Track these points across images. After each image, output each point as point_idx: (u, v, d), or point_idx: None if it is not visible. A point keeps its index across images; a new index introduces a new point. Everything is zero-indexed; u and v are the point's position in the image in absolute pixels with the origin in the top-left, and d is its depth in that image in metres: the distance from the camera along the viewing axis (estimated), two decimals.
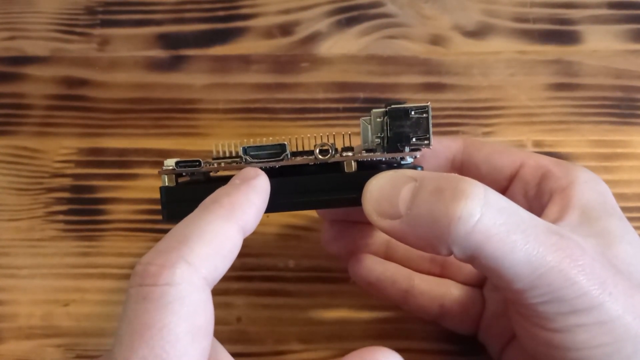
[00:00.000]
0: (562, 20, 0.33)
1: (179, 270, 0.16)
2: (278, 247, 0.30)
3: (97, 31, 0.33)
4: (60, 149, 0.32)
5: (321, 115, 0.32)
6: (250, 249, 0.30)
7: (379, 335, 0.29)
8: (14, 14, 0.34)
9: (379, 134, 0.21)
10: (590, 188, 0.22)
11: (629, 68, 0.32)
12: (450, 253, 0.19)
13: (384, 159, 0.22)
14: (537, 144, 0.31)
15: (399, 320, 0.29)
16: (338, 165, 0.21)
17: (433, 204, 0.18)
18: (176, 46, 0.33)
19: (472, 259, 0.19)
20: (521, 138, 0.31)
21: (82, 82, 0.33)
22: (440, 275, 0.26)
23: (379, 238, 0.26)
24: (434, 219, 0.18)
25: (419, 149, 0.21)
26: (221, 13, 0.33)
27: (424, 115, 0.20)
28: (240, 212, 0.18)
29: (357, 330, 0.29)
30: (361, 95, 0.32)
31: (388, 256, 0.26)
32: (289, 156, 0.21)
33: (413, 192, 0.19)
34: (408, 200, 0.19)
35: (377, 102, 0.32)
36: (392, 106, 0.20)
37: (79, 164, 0.31)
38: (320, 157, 0.21)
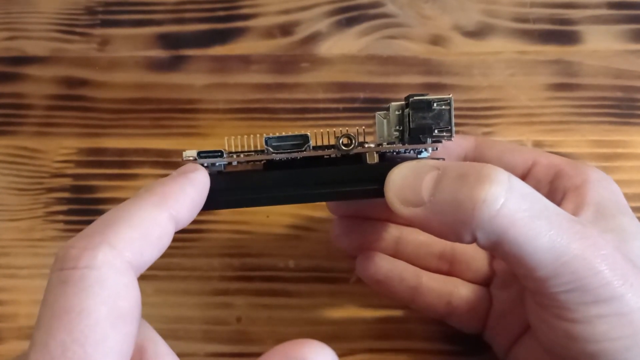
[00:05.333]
0: (562, 20, 0.33)
1: (101, 252, 0.16)
2: (278, 247, 0.30)
3: (97, 31, 0.33)
4: (60, 149, 0.32)
5: (321, 115, 0.32)
6: (250, 249, 0.30)
7: (380, 336, 0.29)
8: (14, 14, 0.34)
9: (397, 127, 0.21)
10: (603, 187, 0.22)
11: (629, 68, 0.32)
12: (474, 239, 0.19)
13: (403, 151, 0.22)
14: (537, 144, 0.31)
15: (400, 320, 0.29)
16: (359, 157, 0.21)
17: (457, 189, 0.18)
18: (176, 46, 0.33)
19: (495, 245, 0.19)
20: (521, 138, 0.31)
21: (82, 82, 0.33)
22: (448, 273, 0.26)
23: (389, 234, 0.26)
24: (458, 203, 0.18)
25: (440, 141, 0.21)
26: (221, 13, 0.33)
27: (446, 107, 0.21)
28: (172, 200, 0.18)
29: (357, 331, 0.29)
30: (361, 95, 0.32)
31: (397, 253, 0.26)
32: (311, 147, 0.21)
33: (436, 179, 0.19)
34: (431, 187, 0.19)
35: (377, 102, 0.32)
36: (415, 97, 0.20)
37: (79, 164, 0.31)
38: (343, 147, 0.21)
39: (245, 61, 0.33)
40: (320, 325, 0.29)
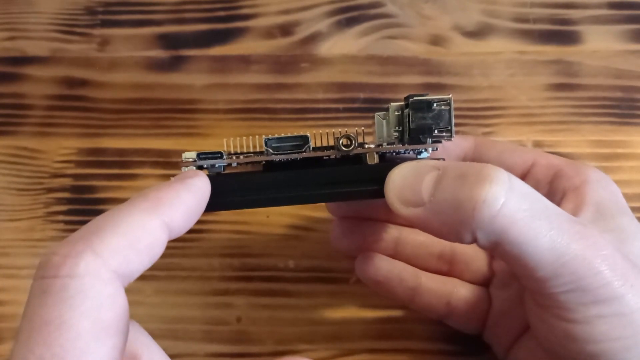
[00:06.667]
0: (562, 20, 0.33)
1: (84, 261, 0.15)
2: (278, 247, 0.30)
3: (97, 31, 0.33)
4: (60, 149, 0.32)
5: (321, 115, 0.32)
6: (250, 249, 0.30)
7: (379, 336, 0.29)
8: (14, 14, 0.34)
9: (397, 128, 0.21)
10: (602, 187, 0.22)
11: (629, 68, 0.32)
12: (474, 240, 0.19)
13: (403, 152, 0.22)
14: (537, 144, 0.31)
15: (400, 320, 0.29)
16: (359, 158, 0.21)
17: (457, 188, 0.18)
18: (176, 46, 0.33)
19: (495, 245, 0.19)
20: (521, 138, 0.31)
21: (82, 82, 0.33)
22: (448, 273, 0.26)
23: (389, 235, 0.26)
24: (458, 203, 0.18)
25: (440, 141, 0.21)
26: (221, 13, 0.33)
27: (446, 107, 0.21)
28: (166, 207, 0.17)
29: (357, 331, 0.29)
30: (361, 95, 0.32)
31: (397, 254, 0.26)
32: (311, 148, 0.21)
33: (436, 179, 0.19)
34: (431, 187, 0.19)
35: (377, 102, 0.32)
36: (415, 98, 0.20)
37: (79, 164, 0.31)
38: (343, 148, 0.21)
39: (245, 61, 0.33)
40: (320, 325, 0.29)
